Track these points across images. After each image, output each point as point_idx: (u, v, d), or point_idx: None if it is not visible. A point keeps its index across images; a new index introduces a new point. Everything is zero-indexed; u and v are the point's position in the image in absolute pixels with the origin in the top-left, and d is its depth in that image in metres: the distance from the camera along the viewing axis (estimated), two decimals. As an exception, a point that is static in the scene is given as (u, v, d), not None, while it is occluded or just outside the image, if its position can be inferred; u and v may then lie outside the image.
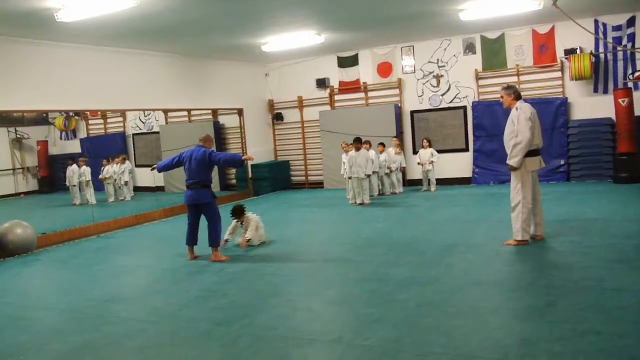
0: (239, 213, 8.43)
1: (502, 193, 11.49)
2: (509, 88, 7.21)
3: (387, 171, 13.12)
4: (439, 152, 13.34)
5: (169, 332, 4.92)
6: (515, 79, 13.37)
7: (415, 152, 14.20)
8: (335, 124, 15.06)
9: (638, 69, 11.90)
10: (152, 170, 8.20)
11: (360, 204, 11.72)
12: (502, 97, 7.24)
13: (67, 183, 14.77)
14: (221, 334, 4.75)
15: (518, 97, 7.09)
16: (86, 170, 14.43)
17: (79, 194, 14.60)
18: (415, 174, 13.99)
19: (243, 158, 7.71)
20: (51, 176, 17.51)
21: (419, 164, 13.36)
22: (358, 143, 11.96)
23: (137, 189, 16.63)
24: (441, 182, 13.44)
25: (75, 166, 14.58)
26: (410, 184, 14.17)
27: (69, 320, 5.52)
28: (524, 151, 6.84)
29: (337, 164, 13.82)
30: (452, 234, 8.21)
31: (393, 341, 4.30)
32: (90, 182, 14.39)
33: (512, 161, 6.91)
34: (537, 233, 7.27)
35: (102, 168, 15.30)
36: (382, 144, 13.35)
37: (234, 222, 8.50)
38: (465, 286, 5.62)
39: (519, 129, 6.84)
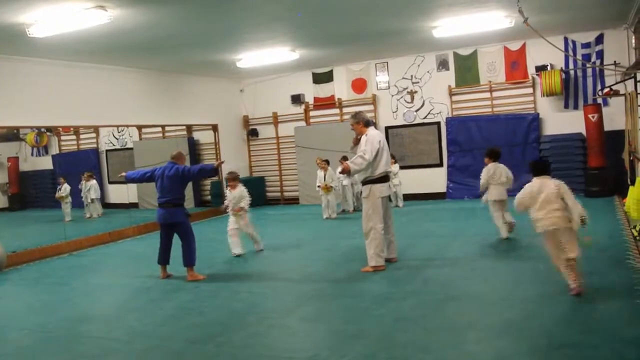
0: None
1: (476, 207, 11.56)
2: (356, 116, 7.29)
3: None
4: (413, 167, 13.44)
5: (143, 351, 4.84)
6: (487, 94, 13.58)
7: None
8: (310, 139, 15.08)
9: (606, 85, 12.14)
10: (119, 176, 8.07)
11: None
12: (352, 125, 7.29)
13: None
14: (196, 353, 4.68)
15: (367, 124, 7.21)
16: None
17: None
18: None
19: (215, 166, 7.56)
20: (22, 193, 17.17)
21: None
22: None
23: (110, 205, 16.40)
24: (416, 197, 13.50)
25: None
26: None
27: (40, 341, 5.39)
28: (363, 167, 6.94)
29: (312, 180, 13.80)
30: (427, 248, 8.24)
31: (370, 357, 4.28)
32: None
33: (352, 166, 6.94)
34: (391, 255, 7.36)
35: (80, 184, 15.12)
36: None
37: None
38: (442, 301, 5.63)
39: (365, 149, 6.93)
